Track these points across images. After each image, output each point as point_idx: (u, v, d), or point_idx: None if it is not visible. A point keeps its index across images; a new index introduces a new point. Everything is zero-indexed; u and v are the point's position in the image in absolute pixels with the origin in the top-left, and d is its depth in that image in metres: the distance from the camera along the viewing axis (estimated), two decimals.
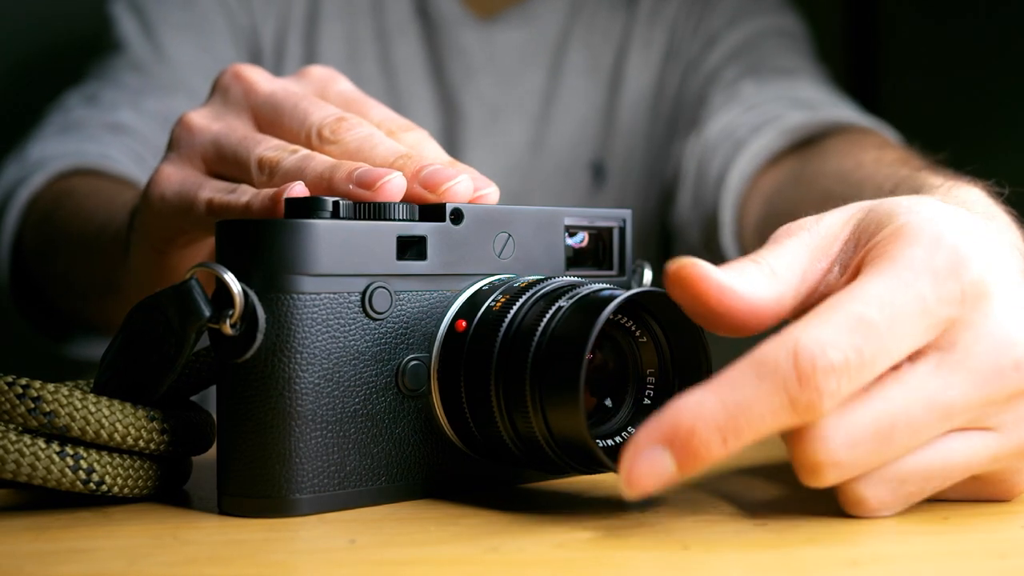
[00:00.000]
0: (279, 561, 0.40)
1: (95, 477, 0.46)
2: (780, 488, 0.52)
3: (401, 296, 0.48)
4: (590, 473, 0.47)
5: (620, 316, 0.46)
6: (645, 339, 0.47)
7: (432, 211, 0.49)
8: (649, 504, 0.48)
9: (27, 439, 0.45)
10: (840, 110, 0.93)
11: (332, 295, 0.46)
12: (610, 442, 0.47)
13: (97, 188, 0.85)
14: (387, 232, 0.47)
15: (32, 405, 0.45)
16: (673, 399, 0.39)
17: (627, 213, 0.55)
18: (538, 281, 0.48)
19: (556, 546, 0.41)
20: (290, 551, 0.41)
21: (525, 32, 1.06)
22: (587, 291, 0.46)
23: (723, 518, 0.46)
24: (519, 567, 0.39)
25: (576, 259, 0.54)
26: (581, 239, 0.54)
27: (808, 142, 0.88)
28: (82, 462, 0.46)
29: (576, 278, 0.49)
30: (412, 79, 1.05)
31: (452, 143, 1.05)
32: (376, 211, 0.47)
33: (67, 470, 0.45)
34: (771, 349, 0.39)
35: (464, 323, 0.48)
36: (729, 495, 0.50)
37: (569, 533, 0.43)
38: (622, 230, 0.55)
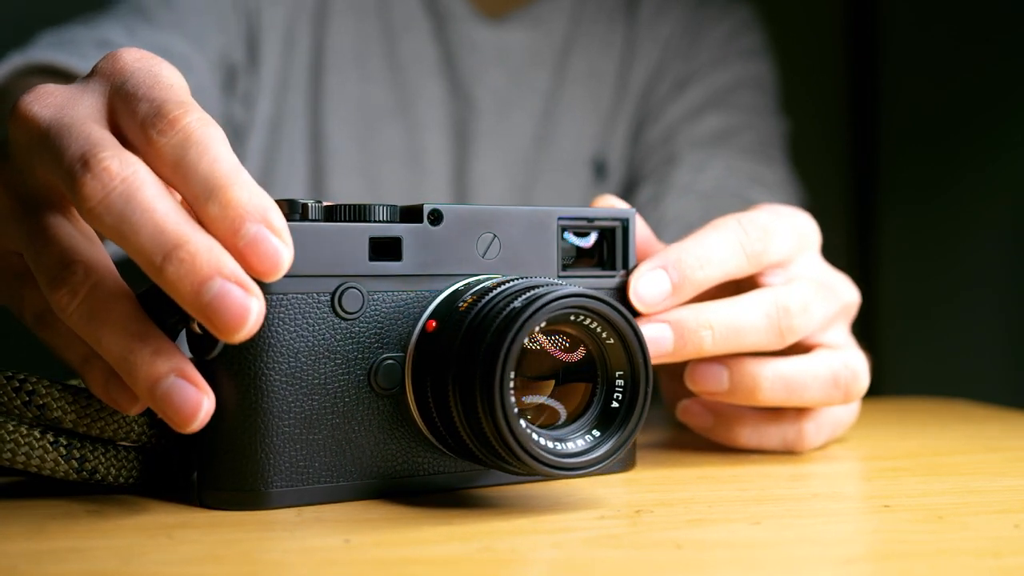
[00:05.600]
0: (274, 560, 0.40)
1: (88, 466, 0.47)
2: (774, 487, 0.52)
3: (375, 296, 0.48)
4: (553, 479, 0.47)
5: (582, 317, 0.46)
6: (612, 341, 0.47)
7: (410, 212, 0.49)
8: (642, 504, 0.48)
9: (23, 429, 0.47)
10: None
11: (301, 295, 0.47)
12: (581, 443, 0.46)
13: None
14: (359, 233, 0.48)
15: (27, 398, 0.47)
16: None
17: (630, 212, 0.54)
18: (506, 281, 0.48)
19: (550, 546, 0.41)
20: (284, 550, 0.41)
21: (531, 34, 1.09)
22: (542, 292, 0.45)
23: (717, 517, 0.46)
24: (513, 567, 0.39)
25: (579, 260, 0.53)
26: (590, 240, 0.53)
27: None
28: (75, 451, 0.47)
29: (545, 278, 0.49)
30: (421, 73, 1.07)
31: (463, 133, 1.06)
32: (356, 213, 0.48)
33: (60, 459, 0.47)
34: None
35: (434, 323, 0.48)
36: (723, 494, 0.50)
37: (563, 533, 0.43)
38: (625, 230, 0.54)
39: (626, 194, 1.09)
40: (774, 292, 0.56)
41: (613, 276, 0.54)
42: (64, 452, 0.47)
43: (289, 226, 0.44)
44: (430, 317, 0.48)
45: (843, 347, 0.60)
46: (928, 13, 1.43)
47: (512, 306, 0.45)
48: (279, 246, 0.41)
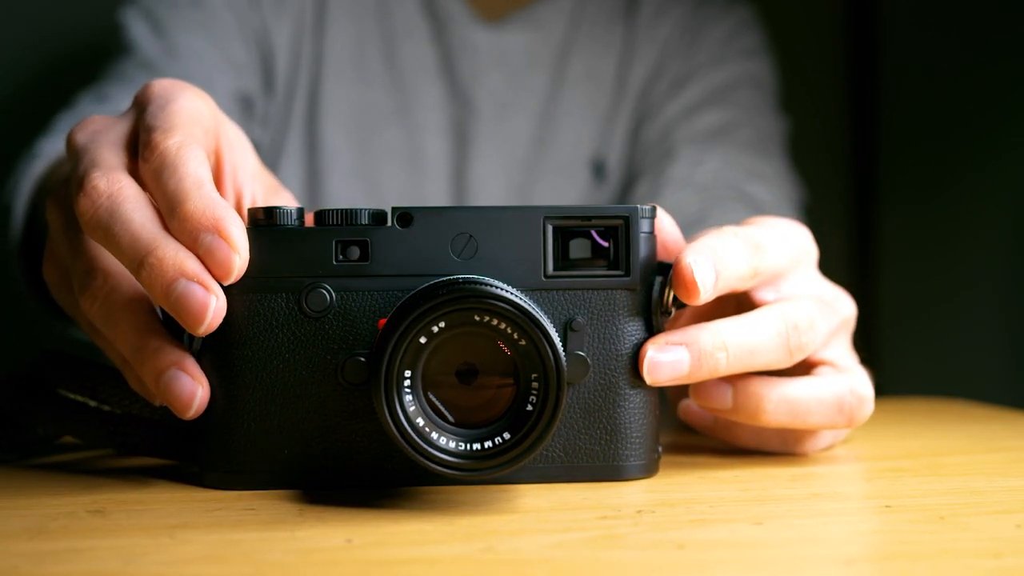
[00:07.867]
0: (275, 560, 0.40)
1: (130, 441, 0.56)
2: (776, 487, 0.52)
3: (345, 296, 0.50)
4: (457, 482, 0.49)
5: (487, 318, 0.46)
6: (524, 343, 0.46)
7: (380, 215, 0.51)
8: (644, 504, 0.48)
9: (80, 407, 0.56)
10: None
11: (270, 295, 0.50)
12: (488, 444, 0.47)
13: None
14: (327, 236, 0.50)
15: (82, 380, 0.56)
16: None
17: (632, 209, 0.52)
18: (443, 278, 0.49)
19: (552, 546, 0.41)
20: (286, 550, 0.41)
21: (530, 36, 1.09)
22: (445, 292, 0.46)
23: (718, 518, 0.46)
24: (515, 567, 0.39)
25: (594, 259, 0.52)
26: (610, 240, 0.52)
27: None
28: (120, 428, 0.56)
29: (477, 276, 0.49)
30: (420, 76, 1.07)
31: (463, 136, 1.06)
32: (343, 217, 0.50)
33: (108, 436, 0.56)
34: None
35: (383, 321, 0.49)
36: (725, 495, 0.50)
37: (565, 533, 0.43)
38: (627, 227, 0.52)
39: (625, 192, 1.10)
40: (781, 309, 0.55)
41: (615, 275, 0.52)
42: (112, 428, 0.55)
43: (259, 231, 0.50)
44: (387, 316, 0.49)
45: (848, 368, 0.59)
46: (928, 13, 1.43)
47: (415, 304, 0.46)
48: (229, 252, 0.47)
